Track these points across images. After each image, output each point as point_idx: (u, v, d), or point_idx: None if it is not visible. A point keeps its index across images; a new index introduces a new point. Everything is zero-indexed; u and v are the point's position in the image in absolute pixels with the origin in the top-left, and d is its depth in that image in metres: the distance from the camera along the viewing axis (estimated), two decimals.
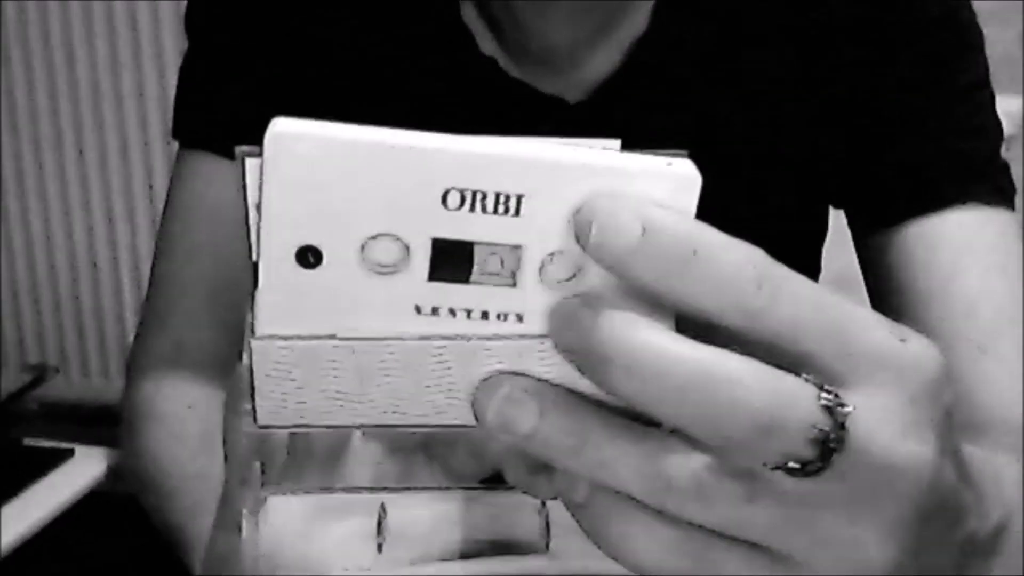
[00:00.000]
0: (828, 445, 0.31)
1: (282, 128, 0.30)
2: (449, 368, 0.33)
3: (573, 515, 0.33)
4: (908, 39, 0.72)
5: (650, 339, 0.31)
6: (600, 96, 0.72)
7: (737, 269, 0.31)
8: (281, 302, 0.32)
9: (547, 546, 0.37)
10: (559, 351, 0.32)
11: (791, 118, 0.73)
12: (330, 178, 0.30)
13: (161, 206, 0.80)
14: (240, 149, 0.31)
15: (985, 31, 0.74)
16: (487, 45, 0.73)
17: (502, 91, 0.72)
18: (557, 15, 0.70)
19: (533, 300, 0.32)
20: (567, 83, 0.72)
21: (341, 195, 0.30)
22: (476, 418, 0.33)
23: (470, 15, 0.73)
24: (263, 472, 0.34)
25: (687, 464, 0.31)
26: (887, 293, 0.73)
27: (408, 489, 0.36)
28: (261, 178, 0.30)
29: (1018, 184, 0.74)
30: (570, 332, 0.31)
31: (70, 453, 1.84)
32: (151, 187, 2.28)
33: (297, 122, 0.30)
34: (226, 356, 0.73)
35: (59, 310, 2.39)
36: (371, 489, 0.36)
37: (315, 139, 0.30)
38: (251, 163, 0.31)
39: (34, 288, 2.39)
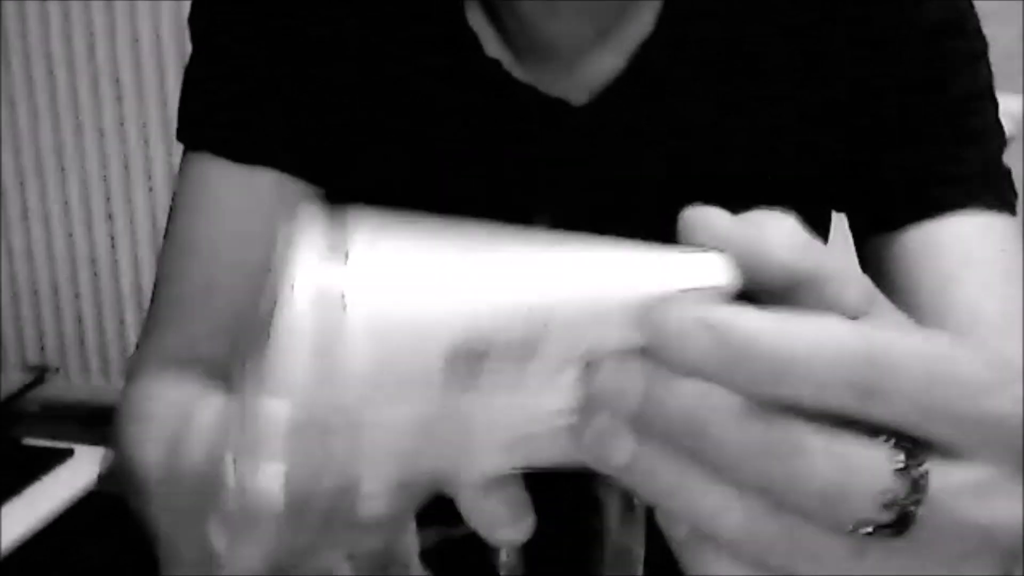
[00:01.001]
0: (905, 508, 0.31)
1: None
2: (457, 412, 0.33)
3: (673, 548, 0.33)
4: (912, 43, 0.72)
5: (720, 406, 0.30)
6: (604, 98, 0.72)
7: (830, 376, 0.30)
8: None
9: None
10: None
11: (795, 120, 0.73)
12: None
13: (161, 206, 0.80)
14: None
15: (985, 30, 0.74)
16: (492, 47, 0.73)
17: (507, 93, 0.72)
18: (563, 15, 0.70)
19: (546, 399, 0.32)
20: (572, 85, 0.72)
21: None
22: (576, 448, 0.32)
23: (475, 17, 0.73)
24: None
25: (795, 519, 0.31)
26: (889, 297, 0.72)
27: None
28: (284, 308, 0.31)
29: (1018, 184, 0.74)
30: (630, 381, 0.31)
31: (70, 453, 1.84)
32: (151, 187, 2.28)
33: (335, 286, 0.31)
34: (219, 358, 0.73)
35: (59, 310, 2.39)
36: None
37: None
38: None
39: (34, 288, 2.39)
